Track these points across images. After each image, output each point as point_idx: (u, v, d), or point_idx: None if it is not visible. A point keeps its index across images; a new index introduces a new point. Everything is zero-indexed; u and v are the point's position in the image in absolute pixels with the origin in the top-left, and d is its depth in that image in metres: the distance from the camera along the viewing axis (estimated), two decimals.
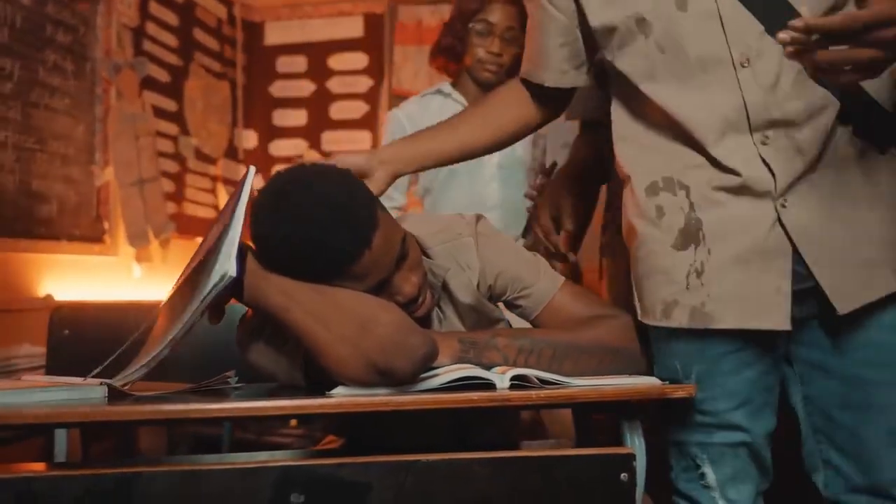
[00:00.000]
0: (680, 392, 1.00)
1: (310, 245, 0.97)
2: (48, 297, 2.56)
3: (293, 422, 2.73)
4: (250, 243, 1.05)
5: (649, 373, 1.12)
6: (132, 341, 1.07)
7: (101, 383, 0.99)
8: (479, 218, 1.21)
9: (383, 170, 1.24)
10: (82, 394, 0.98)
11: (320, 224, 0.97)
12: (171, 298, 1.09)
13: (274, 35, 4.04)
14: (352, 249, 0.98)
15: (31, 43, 2.55)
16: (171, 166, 3.37)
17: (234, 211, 0.99)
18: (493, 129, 1.34)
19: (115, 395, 0.98)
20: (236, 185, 1.05)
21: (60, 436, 1.50)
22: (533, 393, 0.98)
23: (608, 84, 1.21)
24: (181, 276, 1.14)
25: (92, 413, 0.91)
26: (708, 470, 1.11)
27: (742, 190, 1.05)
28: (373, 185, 1.21)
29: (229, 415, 0.96)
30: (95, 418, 0.92)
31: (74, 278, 2.73)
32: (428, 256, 1.16)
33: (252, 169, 1.04)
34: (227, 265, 0.93)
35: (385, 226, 1.02)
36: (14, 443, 2.03)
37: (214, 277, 0.93)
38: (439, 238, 1.18)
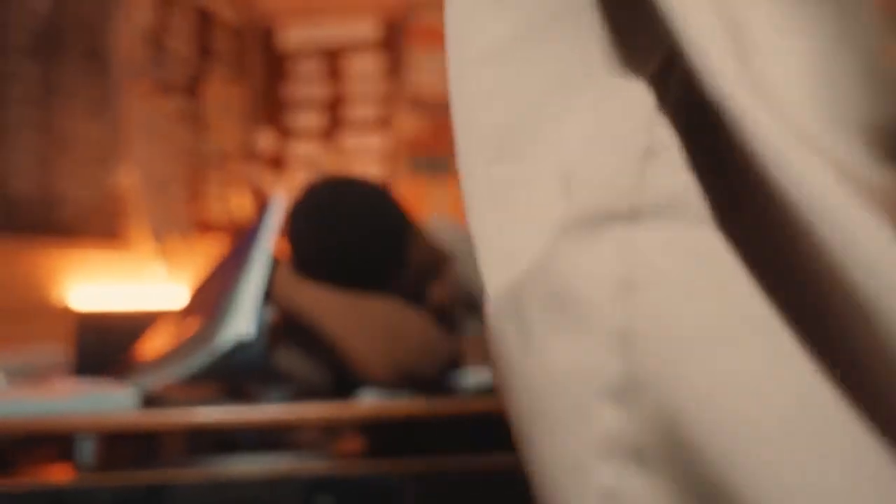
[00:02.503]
0: None
1: (346, 258, 0.98)
2: (69, 298, 2.57)
3: None
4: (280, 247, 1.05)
5: None
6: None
7: (130, 389, 0.99)
8: None
9: None
10: (111, 400, 0.98)
11: (356, 237, 0.97)
12: (186, 312, 1.09)
13: (289, 37, 4.05)
14: (388, 262, 0.99)
15: (51, 48, 2.57)
16: (189, 168, 3.39)
17: (256, 247, 0.98)
18: None
19: (143, 401, 0.98)
20: (252, 187, 1.05)
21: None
22: None
23: None
24: (199, 286, 1.14)
25: (127, 423, 0.91)
26: None
27: None
28: None
29: (260, 421, 0.96)
30: (131, 427, 0.92)
31: (96, 279, 2.74)
32: (456, 264, 1.16)
33: (277, 198, 1.04)
34: (244, 325, 0.92)
35: (419, 236, 1.03)
36: (37, 446, 2.04)
37: (230, 335, 0.92)
38: (467, 245, 1.18)
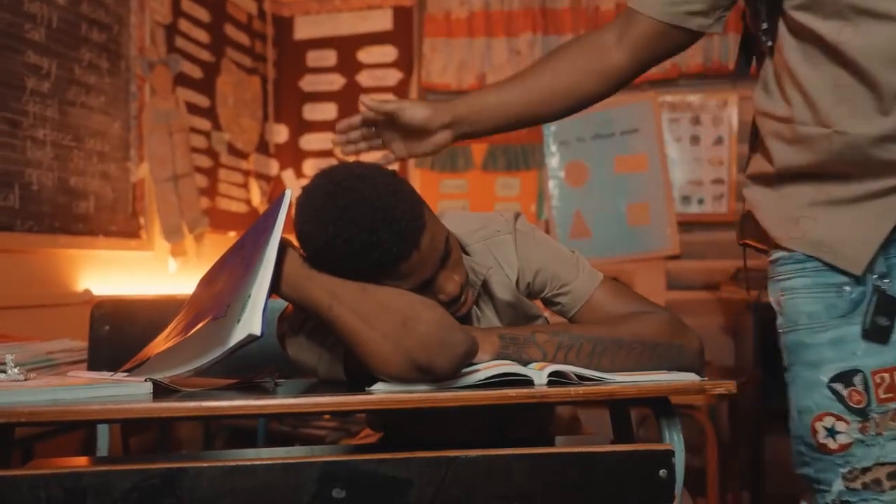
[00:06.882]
0: (720, 388, 1.00)
1: (358, 248, 0.98)
2: (86, 292, 2.60)
3: (327, 415, 2.75)
4: (292, 238, 1.06)
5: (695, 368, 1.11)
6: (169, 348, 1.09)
7: (145, 380, 1.01)
8: (517, 215, 1.22)
9: (444, 133, 1.22)
10: (127, 389, 1.00)
11: (368, 227, 0.98)
12: (200, 304, 1.10)
13: (303, 29, 4.05)
14: (400, 251, 0.99)
15: (67, 42, 2.59)
16: (204, 161, 3.41)
17: (267, 244, 0.99)
18: (568, 81, 1.19)
19: (159, 391, 1.00)
20: (267, 180, 1.06)
21: (103, 430, 1.53)
22: (571, 389, 0.98)
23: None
24: (209, 277, 1.15)
25: (142, 410, 0.93)
26: None
27: None
28: (428, 145, 1.21)
29: (272, 411, 0.97)
30: (146, 415, 0.94)
31: (112, 273, 2.77)
32: (467, 254, 1.17)
33: (288, 192, 1.05)
34: (253, 324, 0.94)
35: (431, 225, 1.03)
36: (56, 436, 2.08)
37: (240, 334, 0.94)
38: (478, 236, 1.18)
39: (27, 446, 2.02)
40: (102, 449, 1.52)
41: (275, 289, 1.02)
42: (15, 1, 2.36)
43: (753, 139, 1.23)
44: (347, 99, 3.98)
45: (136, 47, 2.95)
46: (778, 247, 1.15)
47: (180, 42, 3.24)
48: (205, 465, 0.91)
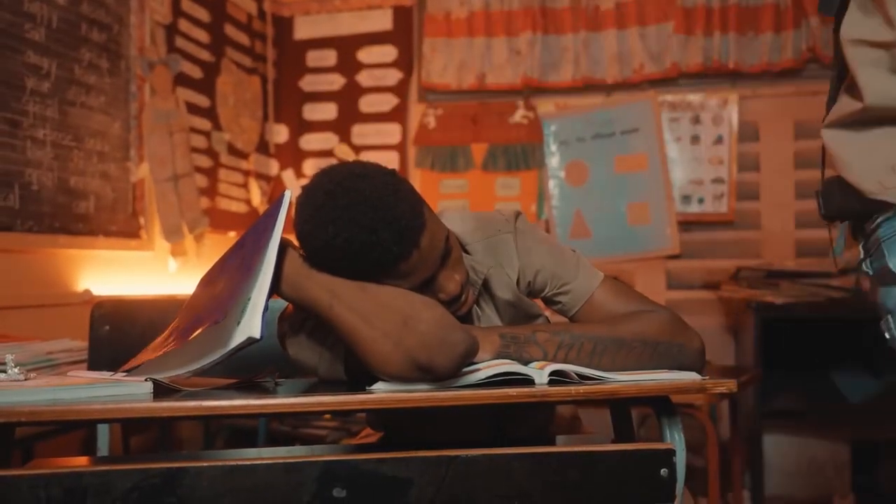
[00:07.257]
0: (720, 387, 1.00)
1: (358, 247, 0.98)
2: (86, 292, 2.60)
3: (327, 414, 2.75)
4: (292, 238, 1.06)
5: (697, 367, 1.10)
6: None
7: (146, 379, 1.01)
8: (517, 214, 1.22)
9: None
10: (127, 389, 1.00)
11: (368, 226, 0.97)
12: (201, 302, 1.10)
13: (303, 29, 4.05)
14: (400, 251, 0.99)
15: (67, 42, 2.59)
16: (204, 161, 3.40)
17: (267, 246, 0.99)
18: None
19: (159, 391, 1.00)
20: (267, 180, 1.06)
21: (103, 430, 1.53)
22: (572, 388, 0.98)
23: None
24: (209, 277, 1.15)
25: (142, 410, 0.93)
26: None
27: None
28: None
29: (272, 411, 0.97)
30: (146, 415, 0.94)
31: (112, 273, 2.77)
32: (467, 253, 1.17)
33: (288, 193, 1.05)
34: (253, 328, 0.94)
35: (431, 225, 1.03)
36: (56, 436, 2.08)
37: (239, 337, 0.94)
38: (478, 235, 1.18)
39: (27, 446, 2.02)
40: (103, 449, 1.52)
41: (275, 289, 1.02)
42: (15, 1, 2.36)
43: (832, 99, 1.09)
44: (347, 99, 3.98)
45: (136, 47, 2.95)
46: (874, 203, 1.00)
47: (180, 42, 3.24)
48: (205, 464, 0.90)
